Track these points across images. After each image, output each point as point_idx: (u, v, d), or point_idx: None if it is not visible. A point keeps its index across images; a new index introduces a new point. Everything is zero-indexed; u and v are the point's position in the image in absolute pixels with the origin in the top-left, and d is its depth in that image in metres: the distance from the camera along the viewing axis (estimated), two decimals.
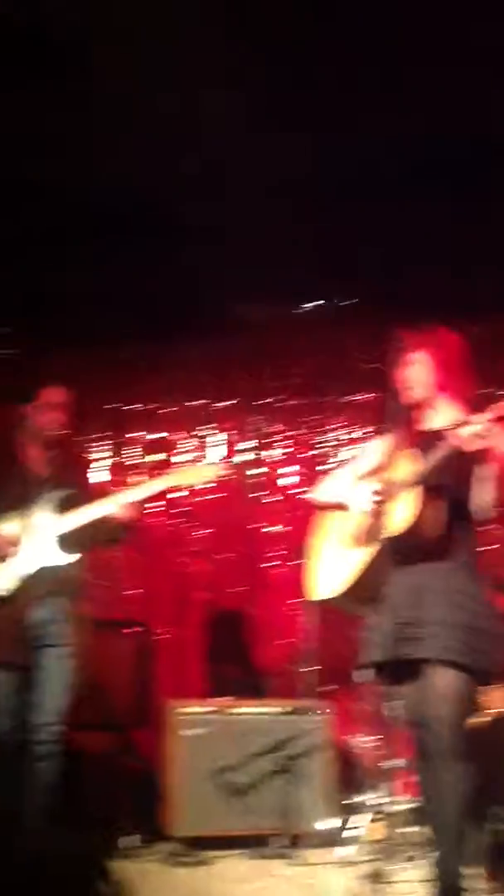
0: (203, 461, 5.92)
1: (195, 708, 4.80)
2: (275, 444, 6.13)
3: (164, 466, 6.21)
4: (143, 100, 4.23)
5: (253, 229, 5.02)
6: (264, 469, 6.17)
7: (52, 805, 3.84)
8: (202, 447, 6.24)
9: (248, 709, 4.82)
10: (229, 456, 6.18)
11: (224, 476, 4.20)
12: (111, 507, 3.88)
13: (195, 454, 6.21)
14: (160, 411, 6.34)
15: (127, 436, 6.35)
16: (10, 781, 3.82)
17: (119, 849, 4.43)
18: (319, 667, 4.78)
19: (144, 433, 6.34)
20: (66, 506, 3.89)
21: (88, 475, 5.05)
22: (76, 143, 4.49)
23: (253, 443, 6.18)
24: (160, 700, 5.59)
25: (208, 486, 5.89)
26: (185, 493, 5.89)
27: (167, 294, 5.68)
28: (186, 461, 6.06)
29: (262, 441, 6.15)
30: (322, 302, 6.15)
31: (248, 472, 6.19)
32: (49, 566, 3.85)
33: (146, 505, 5.94)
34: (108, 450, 6.36)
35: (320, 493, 4.31)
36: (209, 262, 5.34)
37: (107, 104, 4.23)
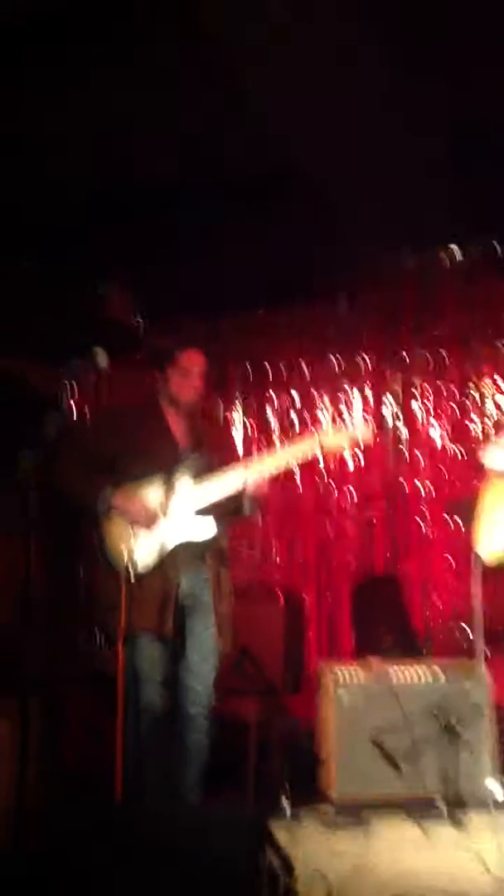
0: (350, 424, 5.79)
1: (351, 671, 4.73)
2: (419, 401, 5.97)
3: (306, 429, 6.16)
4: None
5: (388, 176, 4.86)
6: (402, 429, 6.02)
7: (207, 773, 3.87)
8: (345, 406, 6.13)
9: (406, 670, 4.72)
10: (373, 416, 6.05)
11: (370, 437, 4.06)
12: (253, 475, 3.84)
13: (338, 415, 6.11)
14: (302, 372, 6.26)
15: (268, 398, 6.29)
16: (166, 749, 3.86)
17: (278, 814, 4.43)
18: (481, 627, 4.64)
19: (285, 395, 6.28)
20: (205, 475, 3.87)
21: (230, 442, 5.04)
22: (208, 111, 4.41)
23: (395, 399, 6.03)
24: (313, 664, 5.58)
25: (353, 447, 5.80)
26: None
27: (301, 251, 5.59)
28: (331, 424, 5.97)
29: (406, 399, 5.99)
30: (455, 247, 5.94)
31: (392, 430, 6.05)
32: (192, 542, 3.84)
33: (292, 469, 5.99)
34: (248, 415, 6.33)
35: (496, 459, 4.26)
36: (345, 213, 5.21)
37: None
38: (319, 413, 6.19)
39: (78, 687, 4.57)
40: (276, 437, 6.26)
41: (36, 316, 5.45)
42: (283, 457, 4.01)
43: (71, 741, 4.37)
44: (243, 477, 3.85)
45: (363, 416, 6.07)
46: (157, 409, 4.03)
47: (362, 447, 5.86)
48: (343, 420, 6.06)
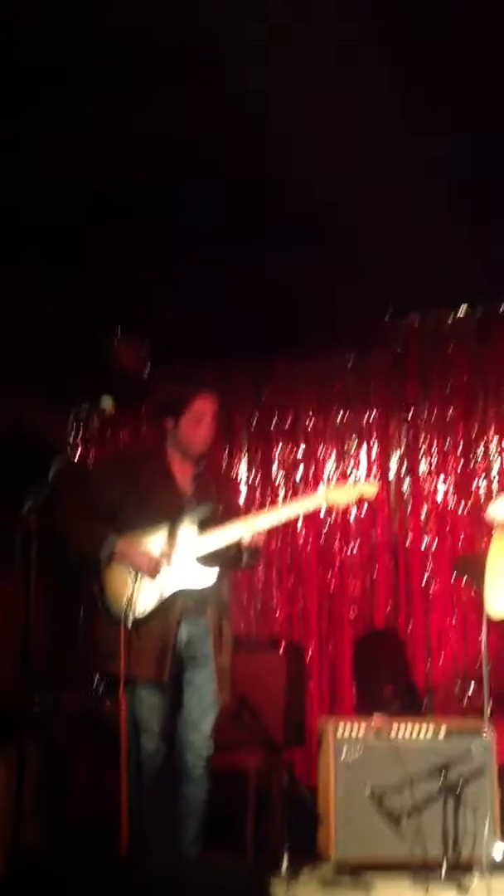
0: (356, 479, 5.78)
1: (352, 728, 4.67)
2: (425, 456, 5.96)
3: (310, 481, 6.15)
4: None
5: (400, 235, 4.90)
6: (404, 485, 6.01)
7: (205, 827, 3.80)
8: (352, 459, 6.12)
9: (409, 728, 4.66)
10: (379, 470, 6.04)
11: (375, 494, 4.02)
12: (256, 527, 3.82)
13: (344, 467, 6.11)
14: (308, 423, 6.27)
15: (274, 448, 6.30)
16: (163, 802, 3.80)
17: (277, 871, 4.34)
18: (489, 686, 4.59)
19: (292, 446, 6.27)
20: (208, 524, 3.85)
21: (235, 493, 5.01)
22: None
23: (401, 456, 6.03)
24: (314, 719, 5.51)
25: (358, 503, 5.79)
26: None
27: (310, 305, 5.62)
28: (337, 479, 5.96)
29: (412, 454, 5.98)
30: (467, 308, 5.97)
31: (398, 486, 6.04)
32: (194, 589, 3.81)
33: (295, 522, 5.97)
34: (253, 464, 6.33)
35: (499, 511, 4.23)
36: (351, 271, 5.25)
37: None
38: (325, 465, 6.16)
39: (81, 735, 4.50)
40: (280, 487, 6.23)
41: (46, 359, 5.46)
42: (289, 511, 4.00)
43: (75, 790, 4.29)
44: (247, 529, 3.82)
45: (369, 471, 6.05)
46: (163, 458, 4.00)
47: (367, 503, 5.85)
48: (349, 475, 6.04)
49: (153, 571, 3.77)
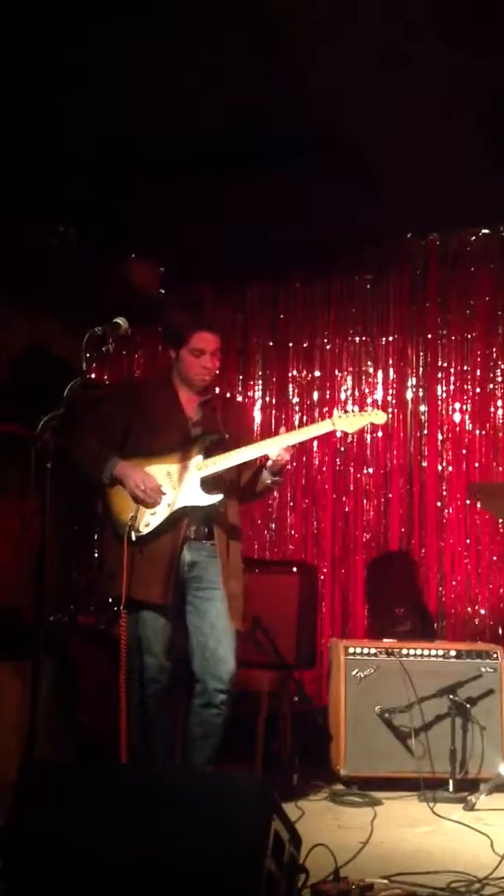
0: (367, 406, 5.74)
1: (364, 648, 4.73)
2: (442, 380, 5.91)
3: (326, 405, 6.13)
4: None
5: (422, 153, 4.79)
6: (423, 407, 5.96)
7: (221, 746, 3.87)
8: (367, 385, 6.09)
9: (419, 650, 4.71)
10: (395, 394, 6.01)
11: (386, 421, 3.98)
12: (262, 451, 3.82)
13: (361, 393, 6.07)
14: (324, 348, 6.21)
15: (290, 374, 6.26)
16: (168, 722, 3.86)
17: (286, 786, 4.43)
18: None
19: (307, 371, 6.24)
20: (214, 450, 3.85)
21: (246, 417, 4.99)
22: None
23: (418, 379, 5.98)
24: (326, 640, 5.57)
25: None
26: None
27: (329, 224, 5.54)
28: (350, 405, 5.92)
29: (429, 377, 5.93)
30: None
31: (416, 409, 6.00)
32: (196, 507, 3.82)
33: (311, 445, 5.96)
34: (268, 389, 6.30)
35: None
36: (372, 190, 5.16)
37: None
38: (341, 388, 6.13)
39: (93, 652, 4.57)
40: (295, 410, 6.22)
41: (62, 283, 5.43)
42: (298, 436, 3.98)
43: (86, 705, 4.38)
44: (255, 453, 3.82)
45: (385, 395, 6.01)
46: (171, 385, 4.02)
47: (383, 427, 5.84)
48: (364, 398, 6.01)
49: (150, 498, 3.79)
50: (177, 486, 3.82)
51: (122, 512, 3.83)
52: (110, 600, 4.17)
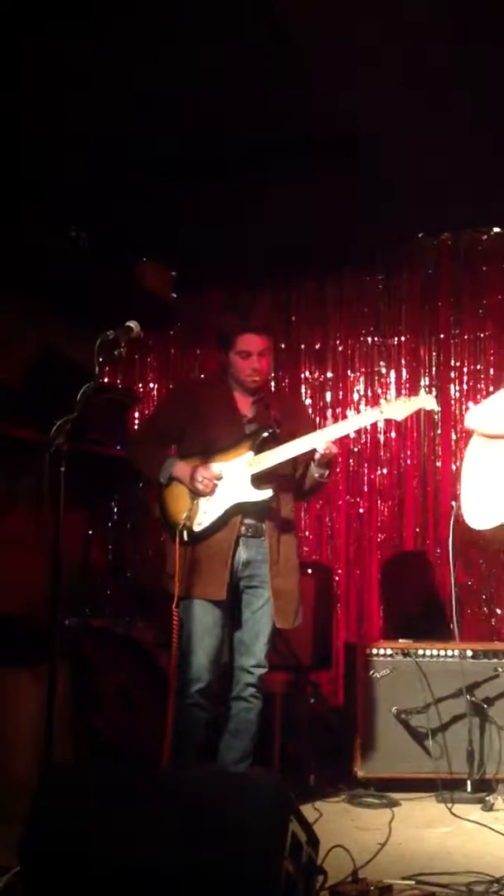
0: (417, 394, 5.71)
1: (380, 649, 4.72)
2: (455, 380, 5.89)
3: (339, 406, 6.12)
4: None
5: (433, 152, 4.78)
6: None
7: (254, 748, 3.89)
8: (380, 385, 6.07)
9: (435, 651, 4.70)
10: (408, 394, 5.98)
11: (436, 406, 3.94)
12: (309, 445, 3.84)
13: (374, 393, 6.06)
14: (336, 349, 6.21)
15: (302, 375, 6.25)
16: (204, 723, 3.88)
17: (304, 788, 4.43)
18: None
19: (319, 371, 6.23)
20: (267, 446, 3.89)
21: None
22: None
23: (431, 379, 5.96)
24: (342, 641, 5.57)
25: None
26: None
27: (340, 225, 5.53)
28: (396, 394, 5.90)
29: (442, 377, 5.91)
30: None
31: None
32: (248, 503, 3.86)
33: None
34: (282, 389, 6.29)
35: (484, 422, 4.08)
36: (383, 190, 5.15)
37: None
38: (354, 388, 6.12)
39: (110, 654, 4.59)
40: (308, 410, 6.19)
41: (74, 288, 5.45)
42: (347, 426, 4.10)
43: (103, 707, 4.38)
44: (303, 447, 3.85)
45: (398, 395, 5.99)
46: (225, 386, 4.09)
47: (396, 427, 5.82)
48: (376, 401, 5.99)
49: (208, 488, 3.83)
50: (230, 483, 3.85)
51: (177, 512, 3.91)
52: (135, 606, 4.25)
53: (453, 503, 4.21)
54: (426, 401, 3.92)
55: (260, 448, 3.89)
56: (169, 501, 3.95)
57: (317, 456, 3.86)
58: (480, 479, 4.08)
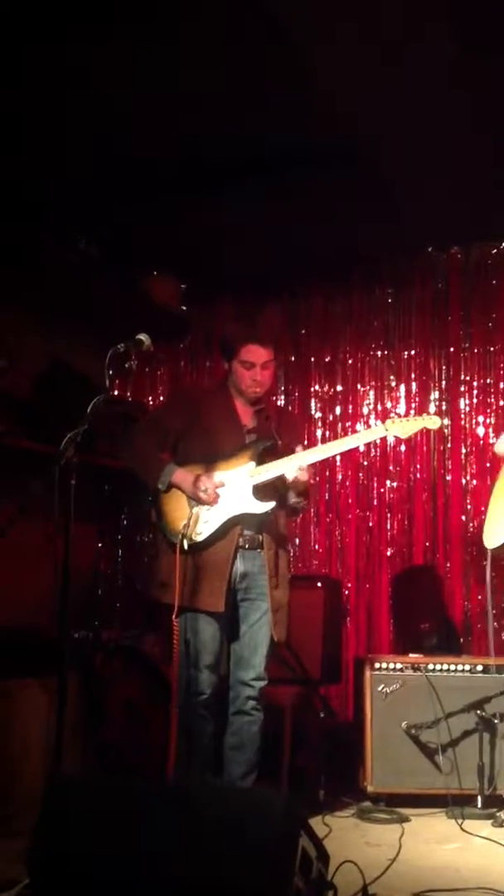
0: (425, 413, 5.71)
1: (390, 663, 4.70)
2: (465, 394, 5.88)
3: (349, 420, 6.11)
4: None
5: (443, 166, 4.79)
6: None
7: (259, 761, 3.87)
8: (390, 399, 6.06)
9: (445, 665, 4.68)
10: (418, 407, 5.98)
11: (441, 426, 3.97)
12: (313, 457, 3.86)
13: (384, 407, 6.05)
14: (345, 363, 6.20)
15: (312, 389, 6.25)
16: (210, 736, 3.86)
17: (313, 803, 4.41)
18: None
19: (329, 385, 6.22)
20: (267, 457, 3.89)
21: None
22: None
23: (441, 393, 5.95)
24: (351, 655, 5.55)
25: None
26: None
27: (350, 238, 5.54)
28: (403, 413, 5.90)
29: (452, 391, 5.90)
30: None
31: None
32: (249, 514, 3.86)
33: (333, 459, 5.94)
34: (291, 403, 6.29)
35: None
36: (393, 204, 5.16)
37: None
38: (363, 402, 6.11)
39: (119, 667, 4.58)
40: (318, 424, 6.19)
41: (84, 301, 5.46)
42: (351, 442, 4.09)
43: (109, 719, 4.38)
44: (304, 460, 3.85)
45: (408, 409, 5.98)
46: (227, 395, 4.08)
47: (402, 444, 5.82)
48: (388, 412, 5.99)
49: (212, 498, 3.81)
50: (231, 493, 3.84)
51: (175, 520, 3.88)
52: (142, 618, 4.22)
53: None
54: (430, 420, 3.94)
55: (261, 459, 3.88)
56: (166, 508, 3.92)
57: (289, 482, 3.85)
58: None
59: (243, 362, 3.97)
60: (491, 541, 4.32)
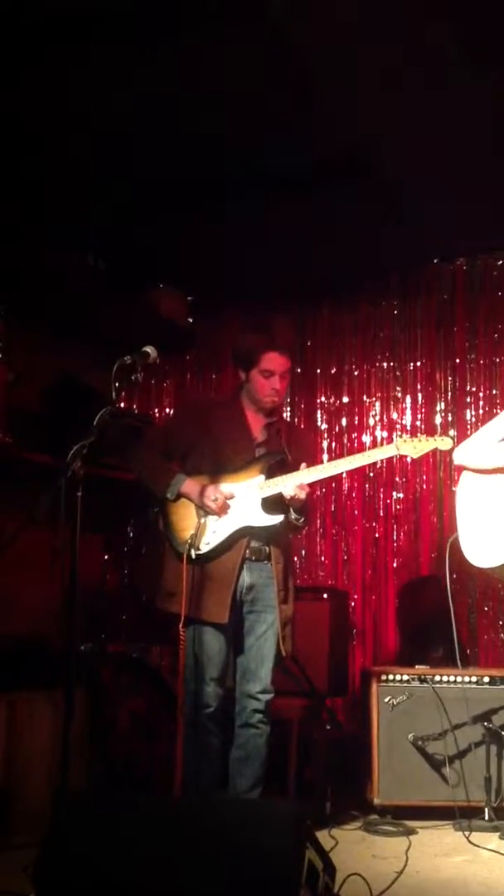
0: (434, 432, 5.70)
1: (396, 675, 4.70)
2: (471, 405, 5.89)
3: (355, 431, 6.11)
4: None
5: (448, 179, 4.80)
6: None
7: (265, 774, 3.86)
8: (396, 410, 6.07)
9: (452, 677, 4.67)
10: (424, 419, 5.98)
11: (451, 446, 3.96)
12: (325, 473, 3.88)
13: (389, 419, 6.06)
14: (352, 374, 6.21)
15: (318, 400, 6.26)
16: (216, 748, 3.85)
17: (320, 815, 4.40)
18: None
19: (335, 396, 6.23)
20: (277, 471, 3.90)
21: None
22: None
23: (446, 404, 5.95)
24: (357, 667, 5.54)
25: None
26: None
27: (355, 251, 5.55)
28: (412, 431, 5.90)
29: (458, 402, 5.91)
30: None
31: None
32: (257, 527, 3.86)
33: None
34: (297, 415, 6.30)
35: (473, 457, 4.04)
36: (398, 216, 5.18)
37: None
38: (369, 414, 6.12)
39: (125, 680, 4.58)
40: (324, 436, 6.20)
41: (91, 313, 5.48)
42: (361, 459, 4.05)
43: (116, 732, 4.38)
44: (318, 475, 3.87)
45: (414, 420, 5.99)
46: (238, 406, 4.08)
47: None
48: (392, 427, 6.00)
49: (221, 508, 3.82)
50: (240, 504, 3.85)
51: (183, 529, 3.88)
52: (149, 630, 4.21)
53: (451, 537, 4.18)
54: (442, 441, 3.95)
55: (271, 472, 3.89)
56: (174, 518, 3.93)
57: (286, 499, 3.85)
58: (476, 515, 4.05)
59: (263, 371, 3.96)
60: (479, 560, 4.11)
